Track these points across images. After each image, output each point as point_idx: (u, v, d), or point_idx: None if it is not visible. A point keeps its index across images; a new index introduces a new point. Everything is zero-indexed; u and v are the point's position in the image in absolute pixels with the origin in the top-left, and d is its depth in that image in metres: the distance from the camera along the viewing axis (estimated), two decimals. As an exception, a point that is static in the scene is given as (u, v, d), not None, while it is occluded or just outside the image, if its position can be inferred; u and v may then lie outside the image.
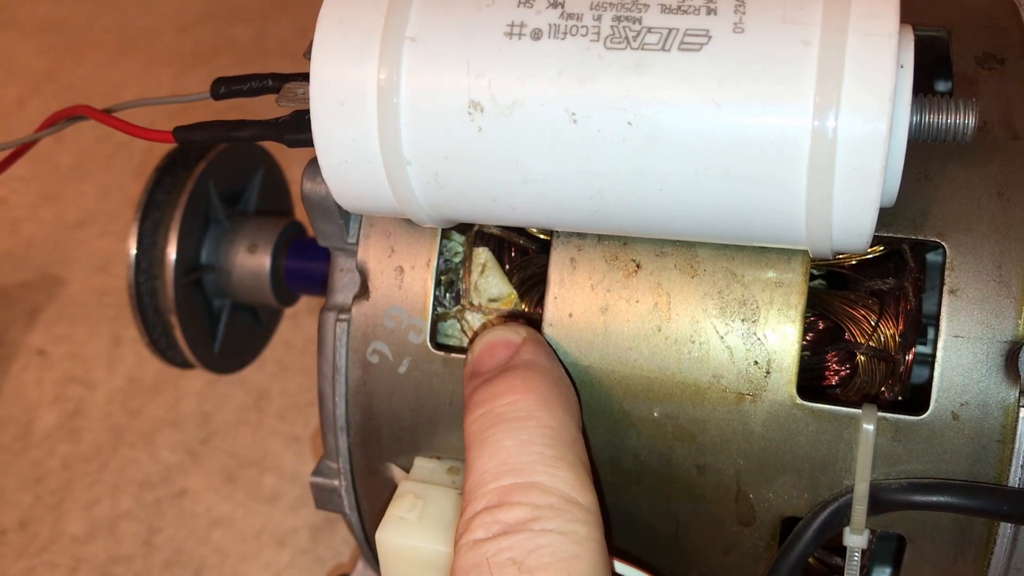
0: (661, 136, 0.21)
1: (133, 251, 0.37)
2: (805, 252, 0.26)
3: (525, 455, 0.24)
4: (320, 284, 0.40)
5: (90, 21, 0.80)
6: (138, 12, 0.80)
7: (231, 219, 0.40)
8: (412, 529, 0.26)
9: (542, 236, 0.30)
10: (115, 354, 0.54)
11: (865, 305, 0.28)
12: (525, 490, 0.23)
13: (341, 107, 0.23)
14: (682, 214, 0.22)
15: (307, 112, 0.25)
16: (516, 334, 0.27)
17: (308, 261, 0.39)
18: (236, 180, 0.41)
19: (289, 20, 0.76)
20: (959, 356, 0.25)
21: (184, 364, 0.40)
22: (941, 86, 0.30)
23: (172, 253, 0.37)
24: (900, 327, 0.27)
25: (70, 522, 0.46)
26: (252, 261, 0.39)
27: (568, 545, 0.23)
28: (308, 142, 0.26)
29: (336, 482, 0.30)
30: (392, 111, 0.23)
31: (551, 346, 0.27)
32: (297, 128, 0.26)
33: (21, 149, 0.35)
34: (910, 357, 0.27)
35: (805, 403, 0.26)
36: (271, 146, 0.42)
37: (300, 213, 0.41)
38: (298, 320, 0.53)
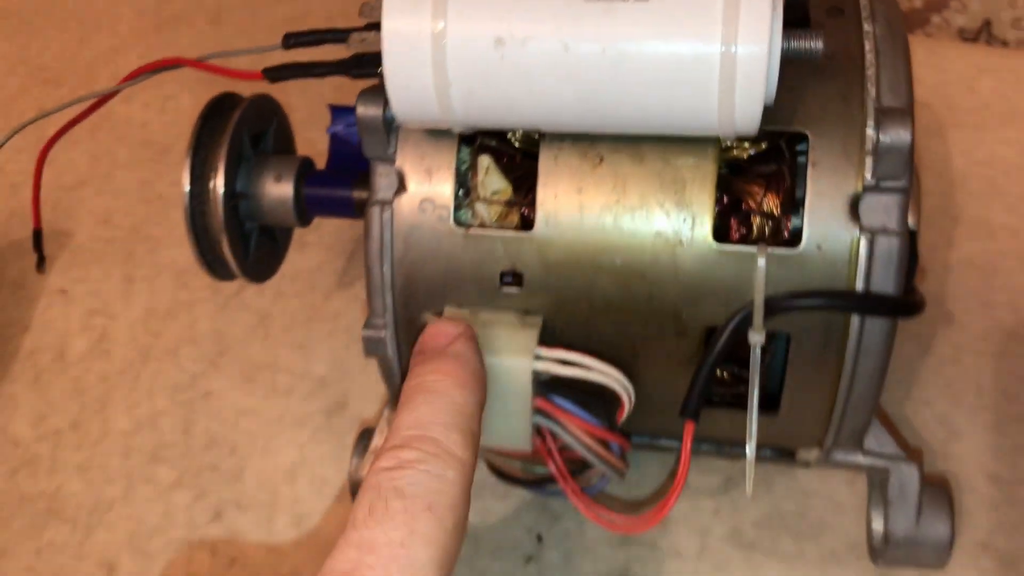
0: (625, 59, 0.33)
1: (187, 183, 0.47)
2: (716, 144, 0.37)
3: (432, 418, 0.33)
4: (332, 207, 0.50)
5: (48, 8, 0.87)
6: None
7: (257, 156, 0.49)
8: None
9: (525, 149, 0.41)
10: (129, 290, 0.63)
11: (756, 184, 0.40)
12: (422, 440, 0.32)
13: (405, 46, 0.34)
14: (640, 111, 0.34)
15: (366, 54, 0.36)
16: (456, 328, 0.36)
17: (322, 188, 0.49)
18: (258, 127, 0.50)
19: (243, 4, 0.84)
20: (820, 205, 0.37)
21: (225, 276, 0.50)
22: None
23: (221, 184, 0.46)
24: (780, 198, 0.39)
25: (116, 421, 0.55)
26: (278, 189, 0.49)
27: (436, 484, 0.31)
28: (368, 75, 0.37)
29: (382, 333, 0.41)
30: (441, 48, 0.34)
31: (551, 233, 0.38)
32: (358, 65, 0.36)
33: (103, 99, 0.44)
34: (787, 218, 0.39)
35: (720, 246, 0.37)
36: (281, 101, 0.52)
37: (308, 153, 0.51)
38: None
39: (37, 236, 0.63)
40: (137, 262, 0.64)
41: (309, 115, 0.58)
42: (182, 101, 0.76)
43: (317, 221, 0.50)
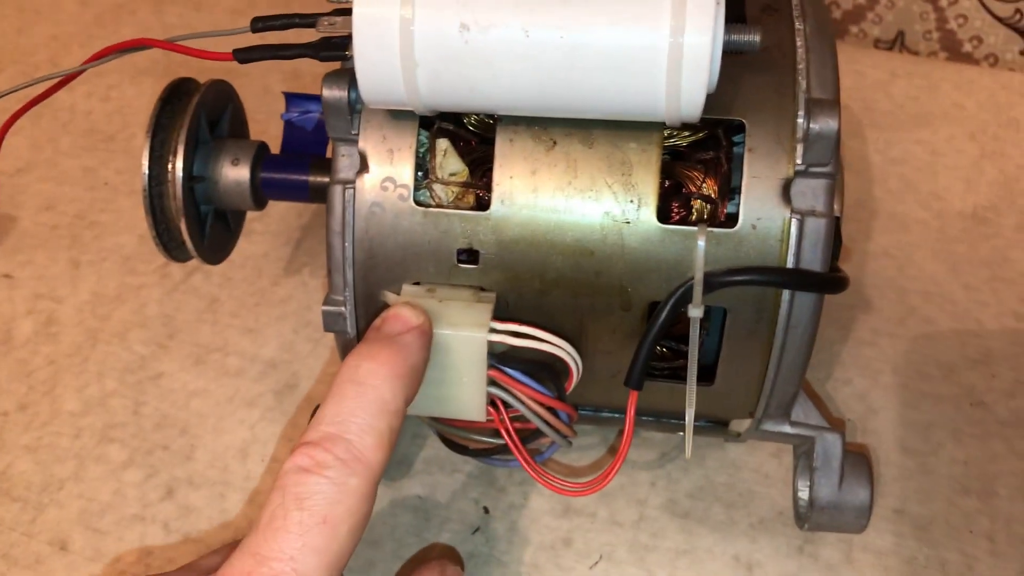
0: (580, 45, 0.35)
1: (146, 163, 0.48)
2: (659, 131, 0.40)
3: (354, 414, 0.33)
4: (287, 191, 0.51)
5: (-16, -3, 0.86)
6: (33, -11, 0.87)
7: (214, 140, 0.51)
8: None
9: (481, 134, 0.43)
10: (76, 274, 0.63)
11: (696, 169, 0.42)
12: (335, 441, 0.33)
13: (374, 29, 0.36)
14: (593, 95, 0.36)
15: (334, 37, 0.38)
16: (416, 319, 0.37)
17: (278, 172, 0.51)
18: (215, 112, 0.52)
19: (184, -3, 0.85)
20: (755, 189, 0.40)
21: (180, 258, 0.51)
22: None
23: (180, 165, 0.48)
24: (718, 182, 0.42)
25: (65, 402, 0.56)
26: (235, 172, 0.50)
27: (337, 493, 0.32)
28: (335, 58, 0.38)
29: (342, 308, 0.43)
30: (408, 32, 0.36)
31: (509, 214, 0.40)
32: (327, 48, 0.38)
33: (68, 78, 0.44)
34: (724, 201, 0.42)
35: (663, 226, 0.40)
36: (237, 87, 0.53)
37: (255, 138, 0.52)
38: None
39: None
40: (83, 247, 0.65)
41: (249, 104, 0.59)
42: (125, 90, 0.76)
43: (262, 210, 0.52)
